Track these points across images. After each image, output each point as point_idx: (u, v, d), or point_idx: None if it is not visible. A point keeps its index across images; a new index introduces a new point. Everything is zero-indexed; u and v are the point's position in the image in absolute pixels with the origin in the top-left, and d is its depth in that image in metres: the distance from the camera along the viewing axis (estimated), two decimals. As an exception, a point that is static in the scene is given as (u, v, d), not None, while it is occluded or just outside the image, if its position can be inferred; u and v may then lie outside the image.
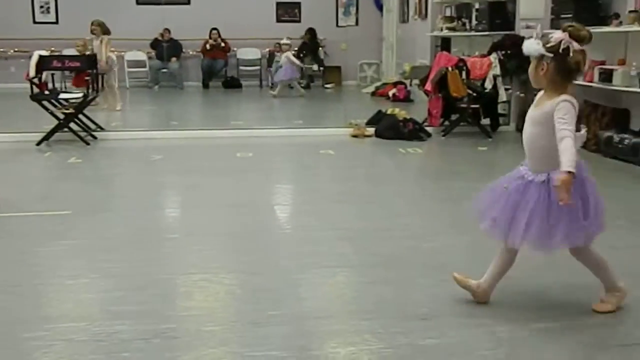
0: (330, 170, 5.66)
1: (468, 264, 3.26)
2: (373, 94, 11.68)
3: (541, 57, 2.54)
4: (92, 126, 7.15)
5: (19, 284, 3.00)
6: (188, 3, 13.14)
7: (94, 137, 6.97)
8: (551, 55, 2.51)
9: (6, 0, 12.07)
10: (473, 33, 8.80)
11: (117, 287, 2.93)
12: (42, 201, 4.55)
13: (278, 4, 13.43)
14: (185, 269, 3.22)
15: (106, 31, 9.03)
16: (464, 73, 7.17)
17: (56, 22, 12.77)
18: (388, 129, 7.06)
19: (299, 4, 13.54)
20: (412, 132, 6.97)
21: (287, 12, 13.49)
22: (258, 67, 13.29)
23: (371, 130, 7.21)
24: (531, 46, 2.57)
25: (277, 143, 6.99)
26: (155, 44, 12.74)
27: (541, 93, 2.64)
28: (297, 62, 11.28)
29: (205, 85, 12.99)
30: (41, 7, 12.84)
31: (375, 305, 2.76)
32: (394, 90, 10.82)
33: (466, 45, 9.36)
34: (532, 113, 2.66)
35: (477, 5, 8.84)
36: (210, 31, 12.80)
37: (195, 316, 2.64)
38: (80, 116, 6.94)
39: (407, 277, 3.09)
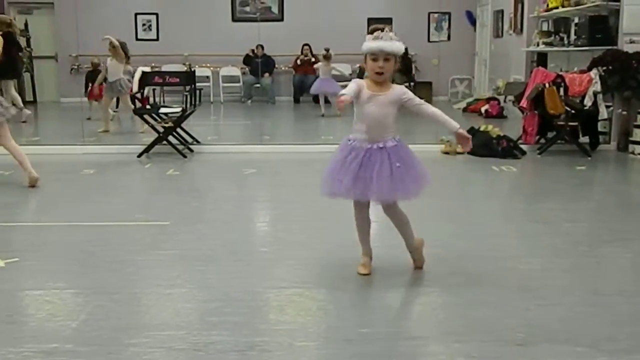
0: (421, 187, 5.60)
1: (566, 288, 3.15)
2: (464, 110, 11.51)
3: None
4: (189, 139, 7.42)
5: (118, 291, 3.13)
6: (281, 20, 13.44)
7: (191, 150, 7.22)
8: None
9: (111, 18, 12.73)
10: (572, 48, 8.52)
11: (213, 298, 3.01)
12: (142, 211, 4.75)
13: (369, 19, 13.49)
14: (277, 282, 3.26)
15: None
16: (561, 89, 6.95)
17: (157, 39, 13.37)
18: (481, 146, 6.92)
19: (390, 19, 13.55)
20: (506, 149, 6.81)
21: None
22: (348, 82, 13.37)
23: (463, 147, 7.09)
24: (399, 45, 3.18)
25: (367, 159, 6.98)
26: (248, 60, 13.09)
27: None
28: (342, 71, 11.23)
29: (297, 100, 13.21)
30: (143, 24, 13.48)
31: (469, 327, 2.71)
32: (486, 107, 10.62)
33: (564, 60, 9.07)
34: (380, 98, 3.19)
35: (576, 20, 8.56)
36: (303, 47, 13.02)
37: (288, 330, 2.67)
38: (178, 129, 7.21)
39: (502, 299, 3.01)
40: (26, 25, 12.97)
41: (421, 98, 11.31)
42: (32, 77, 12.87)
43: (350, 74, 13.37)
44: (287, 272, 3.40)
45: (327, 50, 11.20)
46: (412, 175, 3.23)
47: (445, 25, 13.50)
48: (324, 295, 3.09)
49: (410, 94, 3.20)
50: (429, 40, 13.38)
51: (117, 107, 10.98)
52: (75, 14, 12.73)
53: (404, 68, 13.04)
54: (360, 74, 13.12)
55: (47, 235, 4.12)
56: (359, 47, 11.40)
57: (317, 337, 2.63)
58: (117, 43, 8.35)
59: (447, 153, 7.05)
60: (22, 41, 12.02)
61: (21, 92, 11.29)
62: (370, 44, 3.20)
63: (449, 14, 13.51)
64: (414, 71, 13.25)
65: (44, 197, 5.21)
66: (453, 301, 3.02)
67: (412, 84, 13.18)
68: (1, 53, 7.15)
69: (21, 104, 9.78)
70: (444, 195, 5.35)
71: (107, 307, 2.93)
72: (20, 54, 9.67)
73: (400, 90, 3.22)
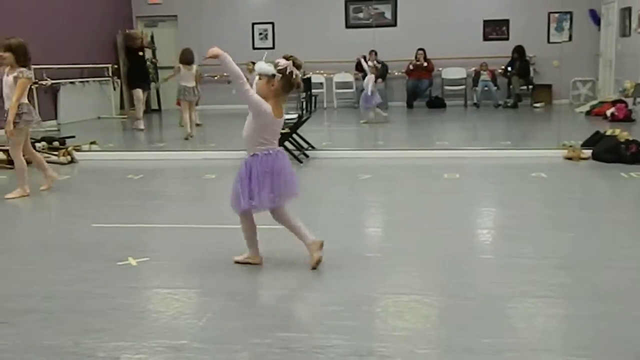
0: (543, 195, 5.40)
1: None
2: (588, 113, 10.99)
3: (273, 76, 3.37)
4: (305, 145, 7.55)
5: (239, 292, 3.23)
6: (395, 25, 13.42)
7: (306, 156, 7.34)
8: (280, 75, 3.36)
9: (231, 28, 13.23)
10: None
11: (332, 302, 3.05)
12: (259, 215, 4.86)
13: (486, 21, 13.19)
14: (394, 289, 3.25)
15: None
16: (698, 90, 6.48)
17: (272, 48, 13.72)
18: (607, 151, 6.59)
19: (507, 21, 13.19)
20: (636, 155, 6.43)
21: (495, 29, 13.20)
22: (463, 87, 13.15)
23: (588, 152, 6.78)
24: (265, 67, 3.38)
25: (484, 164, 6.83)
26: (360, 66, 13.14)
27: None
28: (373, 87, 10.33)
29: (410, 106, 13.14)
30: (260, 34, 13.90)
31: (597, 341, 2.58)
32: (612, 110, 10.08)
33: (700, 59, 8.46)
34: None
35: None
36: (417, 51, 12.94)
37: (407, 337, 2.65)
38: (294, 135, 7.36)
39: (632, 313, 2.84)
40: (152, 37, 13.73)
41: (541, 101, 11.04)
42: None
43: (465, 78, 13.15)
44: (404, 278, 3.39)
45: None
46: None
47: (566, 25, 12.96)
48: (443, 303, 3.05)
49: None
50: (548, 41, 12.93)
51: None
52: (197, 26, 13.35)
53: (520, 71, 12.66)
54: (476, 79, 12.87)
55: (174, 237, 4.33)
56: (474, 51, 11.36)
57: (438, 346, 2.59)
58: None
59: (570, 159, 6.75)
60: (148, 52, 12.77)
61: (148, 101, 11.98)
62: None
63: (571, 13, 12.97)
64: (532, 73, 12.83)
65: (172, 201, 5.48)
66: (579, 313, 2.89)
67: (530, 87, 12.77)
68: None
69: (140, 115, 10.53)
70: (567, 202, 5.15)
71: (230, 307, 3.04)
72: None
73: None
